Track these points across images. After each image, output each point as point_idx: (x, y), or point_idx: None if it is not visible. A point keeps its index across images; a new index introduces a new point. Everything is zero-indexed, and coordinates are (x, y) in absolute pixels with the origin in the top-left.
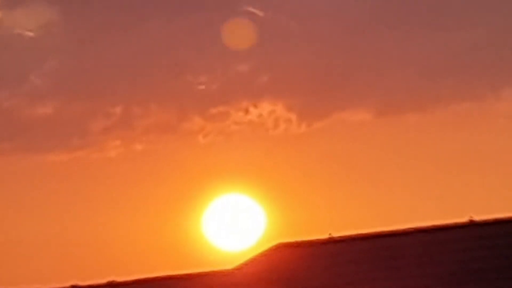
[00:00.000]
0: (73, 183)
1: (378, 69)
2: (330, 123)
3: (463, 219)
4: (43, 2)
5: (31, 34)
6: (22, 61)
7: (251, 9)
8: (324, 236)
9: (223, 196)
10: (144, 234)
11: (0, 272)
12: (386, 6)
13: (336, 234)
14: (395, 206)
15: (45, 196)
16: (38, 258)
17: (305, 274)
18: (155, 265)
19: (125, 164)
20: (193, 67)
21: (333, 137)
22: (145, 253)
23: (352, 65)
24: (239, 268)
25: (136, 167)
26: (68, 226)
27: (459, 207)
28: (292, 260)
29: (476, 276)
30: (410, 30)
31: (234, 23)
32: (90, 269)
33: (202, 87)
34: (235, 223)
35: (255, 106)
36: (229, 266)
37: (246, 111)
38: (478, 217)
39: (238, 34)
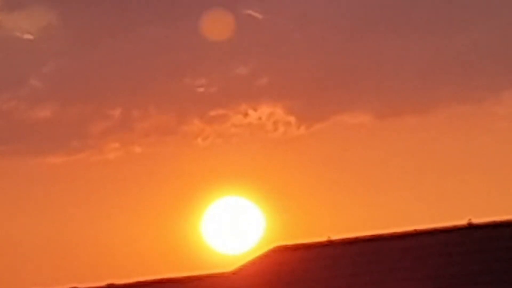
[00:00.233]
0: (72, 186)
1: (377, 71)
2: (329, 125)
3: (462, 221)
4: (43, 5)
5: (30, 37)
6: (22, 64)
7: (250, 12)
8: (323, 238)
9: (222, 198)
10: (143, 237)
11: (0, 274)
12: (386, 9)
13: (335, 236)
14: (394, 209)
15: (44, 199)
16: (37, 260)
17: (303, 276)
18: (154, 267)
19: (124, 167)
20: (192, 70)
21: (332, 139)
22: (144, 255)
23: (351, 67)
24: (238, 271)
25: (135, 170)
26: (67, 229)
27: (458, 209)
28: (291, 262)
29: (475, 279)
30: (409, 32)
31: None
32: (89, 271)
33: (201, 89)
34: (234, 225)
35: (254, 108)
36: (228, 268)
37: (245, 114)
38: (477, 220)
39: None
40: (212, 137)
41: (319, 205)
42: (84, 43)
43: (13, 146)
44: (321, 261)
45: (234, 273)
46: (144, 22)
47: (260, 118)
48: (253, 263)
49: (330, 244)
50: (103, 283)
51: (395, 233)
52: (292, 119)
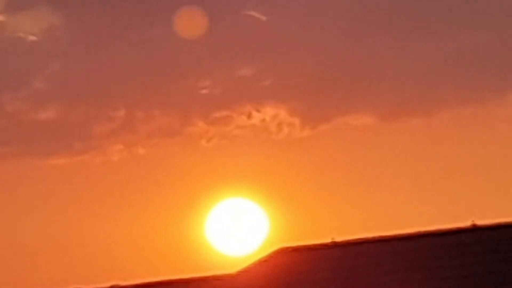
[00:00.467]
0: (75, 187)
1: (381, 73)
2: (333, 127)
3: (466, 223)
4: (46, 6)
5: (34, 38)
6: (25, 65)
7: (253, 13)
8: (327, 240)
9: (226, 200)
10: (147, 238)
11: (4, 276)
12: (390, 11)
13: (339, 238)
14: (398, 211)
15: (48, 200)
16: (40, 261)
17: (308, 278)
18: (158, 269)
19: (128, 168)
20: (196, 72)
21: (336, 141)
22: (148, 257)
23: (355, 69)
24: (241, 272)
25: (139, 171)
26: (71, 230)
27: (462, 211)
28: (295, 264)
29: (479, 281)
30: (413, 34)
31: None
32: (92, 273)
33: (205, 91)
34: (238, 227)
35: (258, 110)
36: (231, 270)
37: (249, 115)
38: (481, 222)
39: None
40: (216, 139)
41: (323, 206)
42: (88, 44)
43: (16, 147)
44: (325, 263)
45: (238, 274)
46: (148, 23)
47: (264, 120)
48: (257, 264)
49: (334, 246)
50: (107, 284)
51: (399, 234)
52: (296, 120)
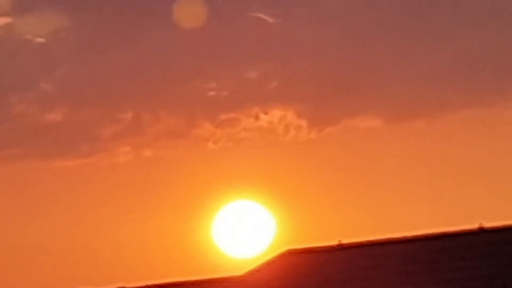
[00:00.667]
0: (82, 189)
1: (388, 75)
2: (340, 129)
3: (473, 226)
4: (54, 9)
5: (41, 40)
6: (32, 67)
7: (261, 15)
8: (333, 242)
9: (232, 202)
10: (154, 240)
11: (11, 277)
12: (396, 13)
13: (346, 240)
14: (404, 213)
15: (55, 202)
16: (47, 263)
17: (314, 281)
18: (165, 271)
19: (135, 170)
20: (203, 74)
21: (343, 143)
22: (155, 259)
23: (362, 71)
24: (248, 275)
25: (145, 173)
26: (78, 232)
27: (469, 214)
28: (302, 266)
29: (486, 283)
30: (419, 36)
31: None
32: (99, 275)
33: (212, 93)
34: (245, 229)
35: (265, 112)
36: (238, 272)
37: (256, 118)
38: (488, 224)
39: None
40: (223, 141)
41: (330, 208)
42: (95, 46)
43: (23, 149)
44: (332, 265)
45: (244, 276)
46: (155, 25)
47: (271, 122)
48: (263, 267)
49: (341, 248)
50: (113, 286)
51: (406, 237)
52: (303, 122)
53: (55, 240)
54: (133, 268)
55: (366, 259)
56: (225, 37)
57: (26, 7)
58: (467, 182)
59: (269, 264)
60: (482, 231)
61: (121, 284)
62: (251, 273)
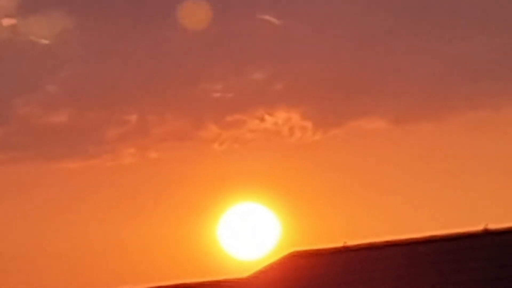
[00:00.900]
0: (88, 191)
1: (393, 77)
2: (345, 131)
3: (478, 227)
4: (59, 10)
5: (46, 42)
6: (38, 69)
7: (267, 17)
8: (338, 244)
9: (238, 204)
10: (159, 242)
11: (17, 277)
12: (402, 15)
13: (351, 242)
14: (410, 215)
15: (60, 204)
16: (52, 264)
17: (319, 282)
18: (170, 273)
19: (140, 172)
20: (208, 75)
21: (348, 145)
22: (160, 260)
23: (368, 73)
24: (254, 277)
25: (151, 175)
26: (82, 233)
27: (475, 215)
28: (307, 268)
29: (491, 285)
30: (425, 38)
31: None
32: (104, 276)
33: (218, 95)
34: (250, 231)
35: (271, 114)
36: (244, 274)
37: (262, 119)
38: (493, 226)
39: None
40: (228, 142)
41: (335, 210)
42: (101, 48)
43: (29, 151)
44: (337, 267)
45: (250, 279)
46: (160, 27)
47: (276, 124)
48: (269, 269)
49: (346, 250)
50: None
51: (411, 239)
52: (308, 124)
53: (60, 242)
54: (138, 270)
55: (371, 261)
56: (230, 39)
57: (31, 8)
58: (472, 183)
59: (274, 266)
60: (487, 233)
61: (126, 286)
62: (256, 275)
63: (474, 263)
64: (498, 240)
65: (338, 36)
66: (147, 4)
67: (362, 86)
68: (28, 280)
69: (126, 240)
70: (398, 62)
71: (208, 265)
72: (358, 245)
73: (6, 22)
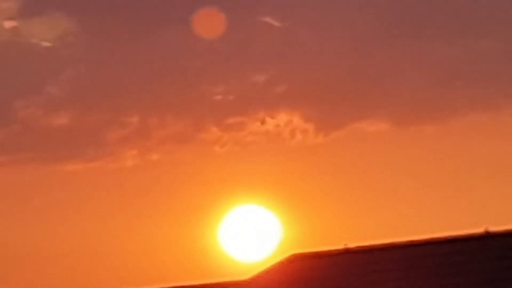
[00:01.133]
0: (89, 193)
1: (395, 79)
2: (347, 133)
3: (479, 230)
4: (60, 13)
5: (48, 44)
6: (39, 71)
7: (268, 20)
8: (339, 246)
9: (239, 206)
10: (160, 244)
11: (18, 281)
12: (403, 17)
13: (352, 244)
14: (411, 217)
15: (62, 206)
16: (53, 267)
17: (320, 284)
18: (171, 274)
19: (141, 174)
20: (209, 78)
21: (350, 147)
22: (161, 262)
23: (369, 75)
24: (254, 279)
25: (152, 177)
26: (84, 235)
27: (475, 217)
28: (308, 270)
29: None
30: (427, 40)
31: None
32: (105, 278)
33: (219, 97)
34: (251, 233)
35: (272, 116)
36: (245, 276)
37: (263, 122)
38: (494, 228)
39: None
40: (229, 145)
41: (336, 213)
42: (102, 50)
43: (30, 153)
44: (338, 269)
45: (251, 281)
46: (162, 29)
47: (277, 126)
48: (270, 271)
49: (347, 252)
50: None
51: (412, 241)
52: (309, 126)
53: (62, 244)
54: (139, 272)
55: (372, 263)
56: (231, 41)
57: (32, 11)
58: (473, 186)
59: (275, 268)
60: (488, 235)
61: None
62: (257, 277)
63: (475, 266)
64: (499, 243)
65: (339, 39)
66: (148, 7)
67: (363, 89)
68: (29, 282)
69: (127, 242)
70: (399, 64)
71: (209, 267)
72: (359, 247)
73: (8, 24)
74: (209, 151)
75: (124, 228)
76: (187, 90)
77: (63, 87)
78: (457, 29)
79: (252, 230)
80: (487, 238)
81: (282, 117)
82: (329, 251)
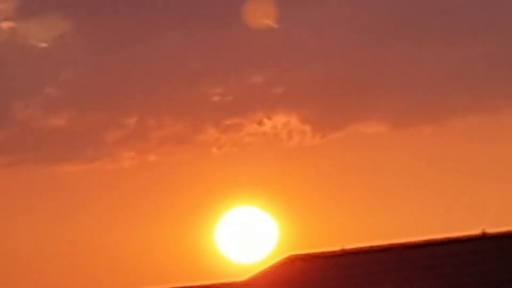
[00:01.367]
0: (87, 194)
1: (393, 81)
2: (344, 135)
3: (476, 231)
4: (58, 14)
5: (45, 45)
6: (37, 72)
7: (266, 21)
8: (336, 248)
9: (236, 208)
10: (157, 245)
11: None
12: (401, 19)
13: (349, 246)
14: (408, 218)
15: (60, 207)
16: (51, 268)
17: (317, 286)
18: (168, 276)
19: (139, 175)
20: (207, 79)
21: (347, 149)
22: (158, 264)
23: (367, 77)
24: (251, 280)
25: (150, 178)
26: (82, 236)
27: (472, 219)
28: (305, 272)
29: None
30: (425, 42)
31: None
32: (102, 279)
33: (217, 98)
34: (248, 235)
35: (269, 117)
36: (241, 278)
37: (260, 123)
38: (491, 230)
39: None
40: (227, 146)
41: (333, 214)
42: (100, 51)
43: (28, 154)
44: (335, 270)
45: (247, 282)
46: (160, 30)
47: (275, 127)
48: (266, 272)
49: (344, 253)
50: None
51: (409, 242)
52: (307, 128)
53: (60, 245)
54: (137, 273)
55: (369, 265)
56: (229, 42)
57: (30, 12)
58: (471, 187)
59: (272, 269)
60: (485, 237)
61: None
62: (254, 279)
63: (472, 267)
64: (496, 244)
65: (337, 40)
66: (146, 7)
67: (361, 90)
68: (29, 282)
69: (125, 243)
70: (397, 65)
71: (206, 268)
72: (356, 248)
73: (5, 25)
74: (207, 152)
75: (122, 229)
76: (185, 91)
77: (61, 88)
78: (455, 30)
79: (249, 232)
80: (484, 239)
81: (280, 119)
82: (326, 252)
